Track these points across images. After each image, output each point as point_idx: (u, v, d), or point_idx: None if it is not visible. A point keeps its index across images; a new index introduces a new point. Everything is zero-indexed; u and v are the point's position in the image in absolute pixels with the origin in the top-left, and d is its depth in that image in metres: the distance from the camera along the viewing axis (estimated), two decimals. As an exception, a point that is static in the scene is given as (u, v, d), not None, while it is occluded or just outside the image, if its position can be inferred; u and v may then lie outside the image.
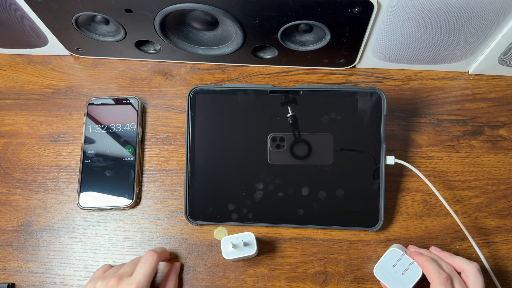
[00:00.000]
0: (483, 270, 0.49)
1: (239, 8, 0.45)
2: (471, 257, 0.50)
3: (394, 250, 0.47)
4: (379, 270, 0.47)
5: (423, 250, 0.48)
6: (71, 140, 0.56)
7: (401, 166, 0.50)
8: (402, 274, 0.46)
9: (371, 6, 0.43)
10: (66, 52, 0.59)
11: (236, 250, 0.47)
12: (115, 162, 0.54)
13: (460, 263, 0.45)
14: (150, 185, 0.54)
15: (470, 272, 0.43)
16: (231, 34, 0.51)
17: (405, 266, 0.46)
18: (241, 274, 0.51)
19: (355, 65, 0.57)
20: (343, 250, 0.51)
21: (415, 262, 0.46)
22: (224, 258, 0.49)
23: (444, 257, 0.46)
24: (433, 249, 0.48)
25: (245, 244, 0.47)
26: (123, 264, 0.49)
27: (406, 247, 0.50)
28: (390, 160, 0.49)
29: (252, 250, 0.47)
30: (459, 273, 0.45)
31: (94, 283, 0.45)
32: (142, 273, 0.44)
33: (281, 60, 0.56)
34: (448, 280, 0.42)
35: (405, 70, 0.57)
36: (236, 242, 0.47)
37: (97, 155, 0.54)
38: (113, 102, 0.56)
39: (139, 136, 0.55)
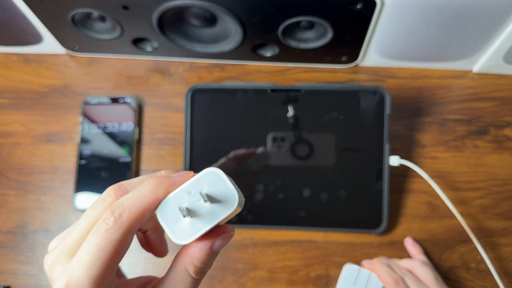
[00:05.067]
0: (487, 272, 0.49)
1: (238, 5, 0.44)
2: (475, 259, 0.49)
3: (350, 267, 0.48)
4: None
5: (374, 259, 0.49)
6: (67, 140, 0.56)
7: (405, 166, 0.50)
8: None
9: (373, 2, 0.42)
10: (62, 50, 0.58)
11: (195, 221, 0.23)
12: (111, 162, 0.53)
13: (406, 264, 0.47)
14: (147, 186, 0.54)
15: (417, 268, 0.46)
16: (231, 32, 0.50)
17: (365, 280, 0.47)
18: (241, 277, 0.50)
19: (357, 63, 0.56)
20: (345, 253, 0.50)
21: (372, 273, 0.47)
22: (212, 252, 0.25)
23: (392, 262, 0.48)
24: (380, 258, 0.49)
25: (212, 199, 0.23)
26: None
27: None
28: (394, 160, 0.48)
29: (231, 203, 0.23)
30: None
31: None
32: (133, 202, 0.23)
33: (282, 58, 0.55)
34: (400, 281, 0.44)
35: (408, 69, 0.56)
36: (188, 203, 0.23)
37: (93, 155, 0.53)
38: (109, 101, 0.55)
39: (136, 136, 0.54)
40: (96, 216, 0.23)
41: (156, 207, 0.23)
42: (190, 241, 0.23)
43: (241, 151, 0.49)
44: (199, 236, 0.23)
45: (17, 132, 0.56)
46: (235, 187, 0.23)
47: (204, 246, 0.24)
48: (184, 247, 0.24)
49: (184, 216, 0.23)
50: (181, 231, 0.23)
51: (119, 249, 0.22)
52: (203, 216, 0.23)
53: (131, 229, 0.22)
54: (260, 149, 0.49)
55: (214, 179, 0.23)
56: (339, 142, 0.49)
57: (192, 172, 0.25)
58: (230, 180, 0.23)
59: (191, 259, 0.24)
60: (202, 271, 0.24)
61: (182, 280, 0.24)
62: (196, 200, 0.23)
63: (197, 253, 0.24)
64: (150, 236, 0.28)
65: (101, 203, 0.24)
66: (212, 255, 0.24)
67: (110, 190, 0.24)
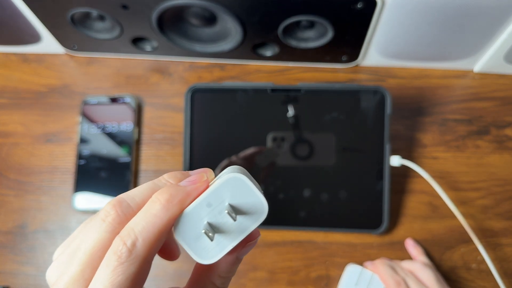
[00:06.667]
0: (488, 272, 0.48)
1: (238, 4, 0.44)
2: (476, 259, 0.49)
3: (352, 267, 0.47)
4: None
5: (377, 260, 0.49)
6: (66, 140, 0.55)
7: (405, 166, 0.49)
8: None
9: (374, 2, 0.42)
10: (61, 50, 0.58)
11: (220, 237, 0.20)
12: (110, 162, 0.53)
13: (408, 266, 0.47)
14: (147, 186, 0.53)
15: (418, 270, 0.46)
16: (230, 31, 0.50)
17: (367, 281, 0.47)
18: (240, 278, 0.50)
19: (358, 63, 0.56)
20: (345, 253, 0.50)
21: (374, 275, 0.46)
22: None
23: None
24: (383, 259, 0.49)
25: (237, 211, 0.20)
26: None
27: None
28: (395, 161, 0.48)
29: (260, 214, 0.20)
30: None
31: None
32: (146, 228, 0.20)
33: (282, 58, 0.55)
34: (402, 283, 0.44)
35: (409, 69, 0.56)
36: (209, 217, 0.20)
37: (93, 155, 0.53)
38: (109, 101, 0.55)
39: (136, 136, 0.54)
40: (99, 241, 0.19)
41: (171, 226, 0.20)
42: (216, 260, 0.20)
43: (249, 150, 0.49)
44: (225, 252, 0.20)
45: (16, 132, 0.56)
46: (262, 194, 0.20)
47: (229, 258, 0.22)
48: None
49: (211, 236, 0.19)
50: (204, 249, 0.20)
51: (138, 283, 0.19)
52: (228, 231, 0.20)
53: (148, 259, 0.19)
54: (266, 146, 0.49)
55: (238, 187, 0.20)
56: (340, 142, 0.49)
57: (205, 176, 0.21)
58: (256, 186, 0.20)
59: (217, 272, 0.22)
60: (228, 279, 0.23)
61: None
62: (219, 213, 0.20)
63: (222, 265, 0.22)
64: None
65: (101, 224, 0.20)
66: (238, 263, 0.23)
67: (109, 208, 0.20)
